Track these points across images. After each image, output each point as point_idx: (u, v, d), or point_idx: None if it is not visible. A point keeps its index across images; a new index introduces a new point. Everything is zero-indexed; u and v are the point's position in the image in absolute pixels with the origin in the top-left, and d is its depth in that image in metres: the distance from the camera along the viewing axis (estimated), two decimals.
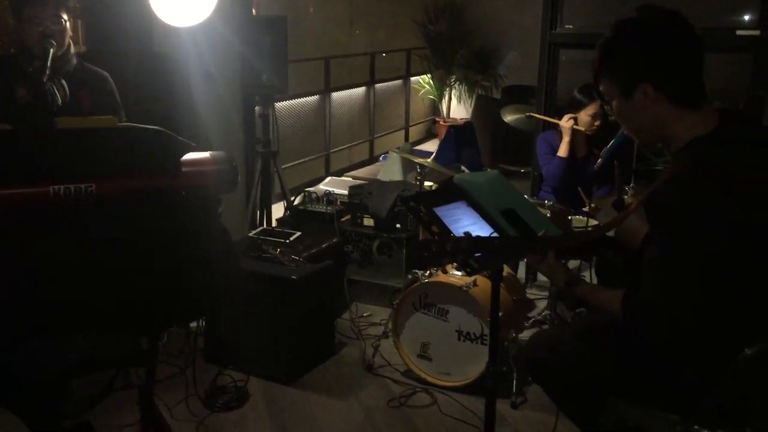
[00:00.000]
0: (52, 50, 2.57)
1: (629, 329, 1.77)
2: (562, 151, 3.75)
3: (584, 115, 3.71)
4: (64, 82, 2.61)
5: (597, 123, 3.70)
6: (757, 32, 3.86)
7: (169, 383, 3.05)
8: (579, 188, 3.37)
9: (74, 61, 2.79)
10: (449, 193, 2.05)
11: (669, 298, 1.65)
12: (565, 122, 3.70)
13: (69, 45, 2.75)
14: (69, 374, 2.61)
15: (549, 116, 4.46)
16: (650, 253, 1.67)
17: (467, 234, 1.72)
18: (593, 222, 3.32)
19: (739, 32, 3.91)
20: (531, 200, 3.31)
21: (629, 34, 1.75)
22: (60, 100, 2.56)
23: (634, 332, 1.77)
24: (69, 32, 2.72)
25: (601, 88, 1.84)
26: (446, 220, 1.93)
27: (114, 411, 2.81)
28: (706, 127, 1.71)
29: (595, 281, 3.32)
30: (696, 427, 1.62)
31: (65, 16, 2.68)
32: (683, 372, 1.73)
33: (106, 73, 2.90)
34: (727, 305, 1.65)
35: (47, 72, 2.51)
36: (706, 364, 1.69)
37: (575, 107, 3.74)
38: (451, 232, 1.89)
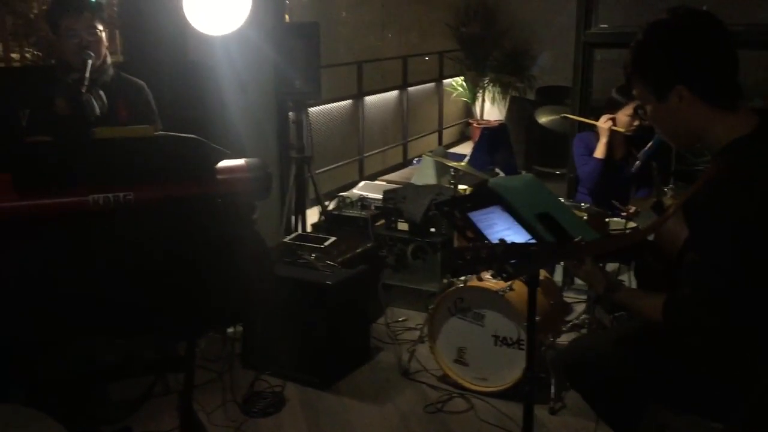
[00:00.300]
0: (90, 61, 2.61)
1: (670, 334, 1.73)
2: (599, 152, 3.69)
3: (622, 115, 3.65)
4: (102, 92, 2.65)
5: (636, 123, 3.63)
6: None
7: (206, 388, 3.08)
8: (614, 196, 3.33)
9: (111, 71, 2.83)
10: (484, 197, 2.03)
11: (708, 302, 1.61)
12: (603, 123, 3.64)
13: (106, 56, 2.79)
14: (108, 379, 2.65)
15: (585, 117, 4.41)
16: (690, 257, 1.63)
17: (502, 241, 1.70)
18: (631, 225, 3.26)
19: None
20: (567, 203, 3.27)
21: (660, 37, 1.72)
22: (98, 111, 2.60)
23: (674, 337, 1.73)
24: (105, 43, 2.76)
25: (634, 92, 1.81)
26: (481, 225, 1.91)
27: (154, 416, 2.85)
28: (746, 128, 1.67)
29: (634, 284, 3.27)
30: None
31: (100, 27, 2.73)
32: (724, 378, 1.68)
33: (142, 83, 2.94)
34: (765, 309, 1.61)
35: (86, 83, 2.55)
36: (745, 371, 1.64)
37: (613, 107, 3.68)
38: (485, 237, 1.87)
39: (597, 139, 3.76)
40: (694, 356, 1.71)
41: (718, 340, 1.64)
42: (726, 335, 1.63)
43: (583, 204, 3.40)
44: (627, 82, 1.81)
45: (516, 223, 1.97)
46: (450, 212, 1.95)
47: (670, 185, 3.26)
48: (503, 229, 1.93)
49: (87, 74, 2.58)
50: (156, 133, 2.51)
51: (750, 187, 1.59)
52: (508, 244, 1.70)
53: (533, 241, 1.91)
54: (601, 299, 1.90)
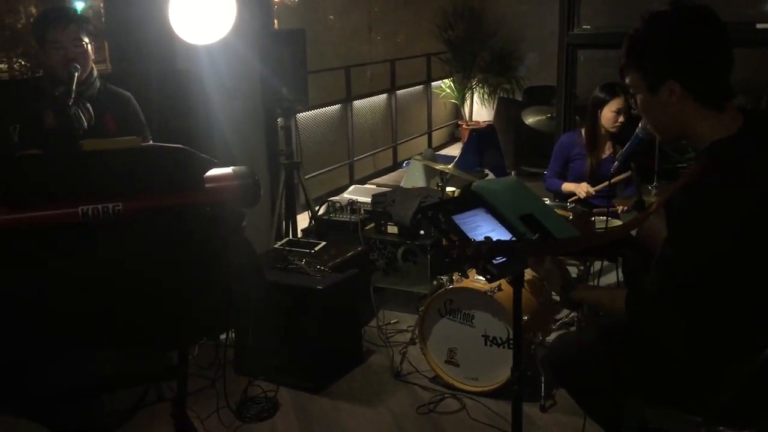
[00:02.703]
0: (76, 74, 2.62)
1: (637, 327, 1.77)
2: (567, 186, 3.82)
3: (607, 112, 3.70)
4: (89, 105, 2.66)
5: (621, 119, 3.68)
6: None
7: (200, 395, 3.10)
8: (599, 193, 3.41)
9: (98, 83, 2.83)
10: (467, 200, 2.06)
11: (673, 294, 1.65)
12: (583, 190, 3.72)
13: (92, 68, 2.80)
14: (101, 390, 2.67)
15: (569, 115, 4.47)
16: (662, 251, 1.66)
17: (487, 238, 1.74)
18: (616, 222, 3.31)
19: (759, 25, 3.86)
20: (551, 204, 3.32)
21: (660, 30, 1.71)
22: (85, 123, 2.61)
23: (641, 330, 1.76)
24: (91, 55, 2.76)
25: (627, 80, 1.80)
26: (465, 228, 1.94)
27: (147, 424, 2.87)
28: (730, 129, 1.68)
29: (622, 281, 3.31)
30: (721, 428, 1.61)
31: (86, 39, 2.72)
32: (695, 372, 1.72)
33: (129, 94, 2.95)
34: (735, 307, 1.65)
35: (72, 96, 2.56)
36: (716, 364, 1.68)
37: (598, 105, 3.74)
38: (470, 239, 1.90)
39: (581, 140, 3.83)
40: (668, 351, 1.75)
41: (677, 335, 1.67)
42: (691, 333, 1.66)
43: (568, 204, 3.45)
44: (620, 70, 1.80)
45: (500, 225, 2.00)
46: (434, 216, 1.98)
47: (655, 184, 3.31)
48: (487, 231, 1.96)
49: (74, 87, 2.58)
50: (143, 144, 2.53)
51: (730, 188, 1.60)
52: (494, 241, 1.73)
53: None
54: (561, 298, 1.93)
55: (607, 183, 3.47)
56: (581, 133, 3.89)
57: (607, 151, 3.83)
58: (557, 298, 3.92)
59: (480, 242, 1.75)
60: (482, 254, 1.74)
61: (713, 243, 1.59)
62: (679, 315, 1.65)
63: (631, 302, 1.73)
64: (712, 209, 1.60)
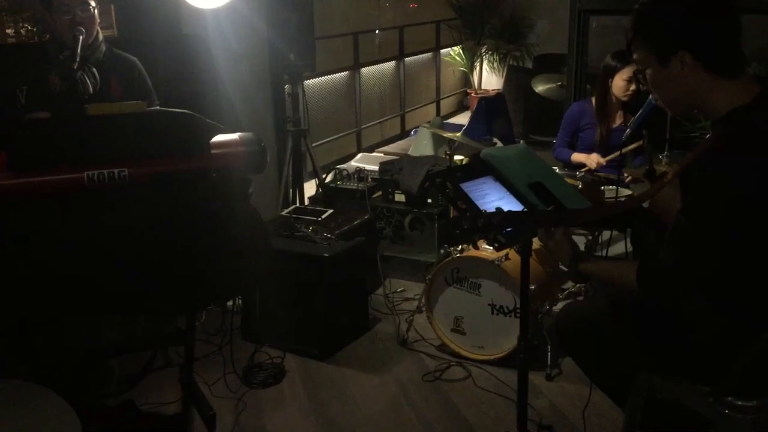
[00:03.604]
0: (81, 38, 2.60)
1: (648, 299, 1.75)
2: (577, 157, 3.77)
3: (619, 80, 3.64)
4: (94, 69, 2.64)
5: (632, 87, 3.62)
6: None
7: (207, 361, 3.12)
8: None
9: (104, 48, 2.82)
10: (476, 168, 2.04)
11: (690, 266, 1.62)
12: (594, 161, 3.67)
13: (98, 32, 2.78)
14: (110, 354, 2.69)
15: (581, 84, 4.41)
16: (677, 222, 1.63)
17: (499, 209, 1.71)
18: (625, 192, 3.28)
19: None
20: (560, 173, 3.29)
21: (667, 1, 1.68)
22: (91, 88, 2.59)
23: (653, 302, 1.74)
24: (97, 19, 2.75)
25: (635, 56, 1.77)
26: (473, 196, 1.92)
27: (155, 389, 2.89)
28: (746, 97, 1.65)
29: (631, 252, 3.29)
30: (729, 398, 1.60)
31: (93, 3, 2.71)
32: (705, 341, 1.70)
33: (134, 58, 2.93)
34: (754, 277, 1.62)
35: (77, 60, 2.55)
36: (729, 333, 1.67)
37: (609, 73, 3.67)
38: (478, 207, 1.89)
39: (590, 109, 3.78)
40: (683, 321, 1.73)
41: (693, 304, 1.66)
42: (700, 300, 1.64)
43: (578, 173, 3.42)
44: (627, 45, 1.77)
45: (508, 193, 1.98)
46: (442, 183, 1.96)
47: (666, 153, 3.28)
48: (496, 200, 1.95)
49: (78, 51, 2.56)
50: (149, 109, 2.51)
51: (748, 158, 1.57)
52: (505, 212, 1.71)
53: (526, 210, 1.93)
54: (569, 270, 1.90)
55: (618, 153, 3.43)
56: (591, 101, 3.84)
57: (618, 120, 3.78)
58: (565, 268, 3.94)
59: (491, 213, 1.72)
60: (493, 225, 1.72)
61: (731, 213, 1.57)
62: (698, 286, 1.62)
63: (644, 275, 1.71)
64: (729, 179, 1.57)
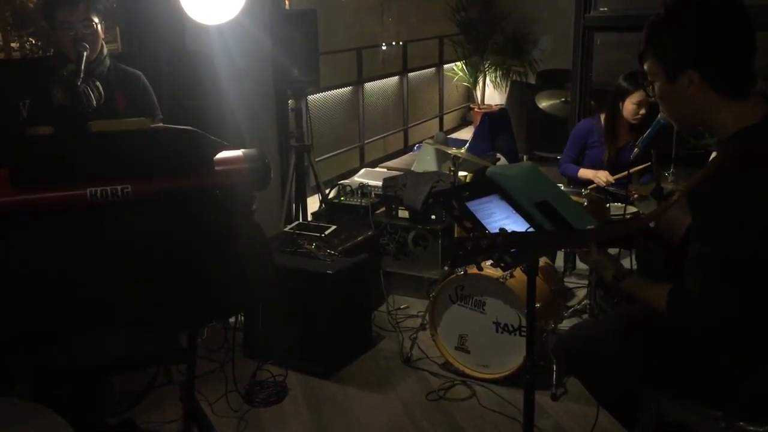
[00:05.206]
0: (85, 53, 2.60)
1: (676, 325, 1.71)
2: (584, 173, 3.76)
3: (629, 104, 3.63)
4: (98, 84, 2.64)
5: (642, 111, 3.61)
6: None
7: (209, 379, 3.09)
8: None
9: (108, 62, 2.81)
10: (482, 186, 2.02)
11: (717, 296, 1.59)
12: (602, 178, 3.66)
13: (102, 47, 2.78)
14: (111, 371, 2.66)
15: (585, 100, 4.39)
16: (695, 249, 1.61)
17: (503, 230, 1.69)
18: (631, 209, 3.26)
19: None
20: (566, 190, 3.27)
21: (681, 18, 1.66)
22: (95, 102, 2.58)
23: (681, 328, 1.70)
24: (101, 35, 2.74)
25: (645, 67, 1.75)
26: (479, 215, 1.90)
27: (156, 407, 2.86)
28: (755, 117, 1.63)
29: (636, 269, 3.26)
30: (741, 423, 1.57)
31: (96, 20, 2.70)
32: (724, 366, 1.67)
33: (139, 73, 2.92)
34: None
35: (81, 75, 2.54)
36: (753, 359, 1.64)
37: (620, 95, 3.66)
38: (484, 226, 1.86)
39: (599, 127, 3.77)
40: (694, 345, 1.70)
41: (723, 336, 1.62)
42: (732, 333, 1.61)
43: (583, 190, 3.40)
44: (639, 56, 1.75)
45: (515, 212, 1.95)
46: (447, 202, 1.94)
47: (671, 170, 3.25)
48: (502, 218, 1.92)
49: (82, 66, 2.56)
50: (152, 126, 2.50)
51: (759, 179, 1.55)
52: (509, 233, 1.68)
53: (532, 230, 1.90)
54: (610, 287, 1.87)
55: (627, 172, 3.40)
56: (600, 118, 3.83)
57: (626, 138, 3.76)
58: (569, 285, 3.90)
59: (495, 234, 1.69)
60: (498, 246, 1.69)
61: (746, 235, 1.54)
62: (724, 312, 1.59)
63: (673, 305, 1.68)
64: (741, 202, 1.54)
